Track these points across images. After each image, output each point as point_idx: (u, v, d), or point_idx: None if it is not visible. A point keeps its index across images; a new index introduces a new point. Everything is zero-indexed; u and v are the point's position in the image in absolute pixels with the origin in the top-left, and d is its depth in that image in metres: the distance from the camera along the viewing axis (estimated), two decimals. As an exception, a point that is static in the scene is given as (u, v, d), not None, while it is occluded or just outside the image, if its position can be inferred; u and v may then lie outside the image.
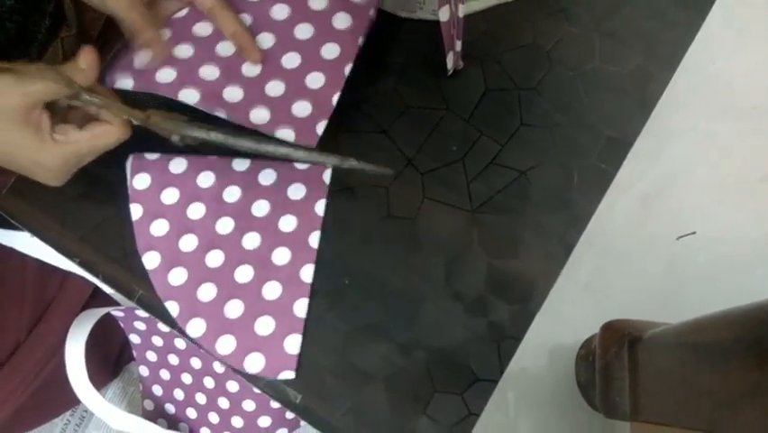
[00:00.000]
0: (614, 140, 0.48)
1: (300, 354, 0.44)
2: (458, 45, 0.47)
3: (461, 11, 0.44)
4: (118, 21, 0.46)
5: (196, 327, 0.45)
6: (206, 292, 0.46)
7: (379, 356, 0.45)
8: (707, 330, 0.33)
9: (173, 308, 0.46)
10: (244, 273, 0.46)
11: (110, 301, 0.64)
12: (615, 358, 0.39)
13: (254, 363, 0.44)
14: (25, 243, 0.56)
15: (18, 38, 0.53)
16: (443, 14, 0.45)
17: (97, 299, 0.67)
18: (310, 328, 0.45)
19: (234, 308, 0.45)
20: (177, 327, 0.46)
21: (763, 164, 0.49)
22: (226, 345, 0.45)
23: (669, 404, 0.35)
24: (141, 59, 0.47)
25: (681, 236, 0.47)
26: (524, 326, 0.45)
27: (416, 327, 0.45)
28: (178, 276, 0.46)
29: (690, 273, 0.47)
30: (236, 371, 0.44)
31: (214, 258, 0.47)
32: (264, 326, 0.45)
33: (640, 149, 0.48)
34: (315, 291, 0.46)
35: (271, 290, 0.46)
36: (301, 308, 0.45)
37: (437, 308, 0.45)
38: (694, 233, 0.47)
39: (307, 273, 0.46)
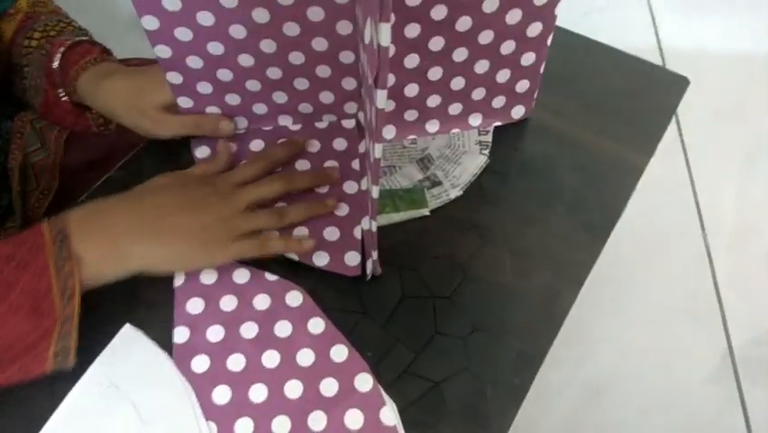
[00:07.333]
0: (525, 354, 0.49)
1: None
2: (374, 254, 0.48)
3: (374, 226, 0.45)
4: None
5: None
6: None
7: None
8: None
9: None
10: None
11: None
12: None
13: None
14: None
15: None
16: (365, 224, 0.48)
17: None
18: None
19: None
20: None
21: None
22: None
23: None
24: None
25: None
26: None
27: None
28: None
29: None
30: None
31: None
32: None
33: (561, 357, 0.49)
34: None
35: None
36: None
37: None
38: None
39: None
